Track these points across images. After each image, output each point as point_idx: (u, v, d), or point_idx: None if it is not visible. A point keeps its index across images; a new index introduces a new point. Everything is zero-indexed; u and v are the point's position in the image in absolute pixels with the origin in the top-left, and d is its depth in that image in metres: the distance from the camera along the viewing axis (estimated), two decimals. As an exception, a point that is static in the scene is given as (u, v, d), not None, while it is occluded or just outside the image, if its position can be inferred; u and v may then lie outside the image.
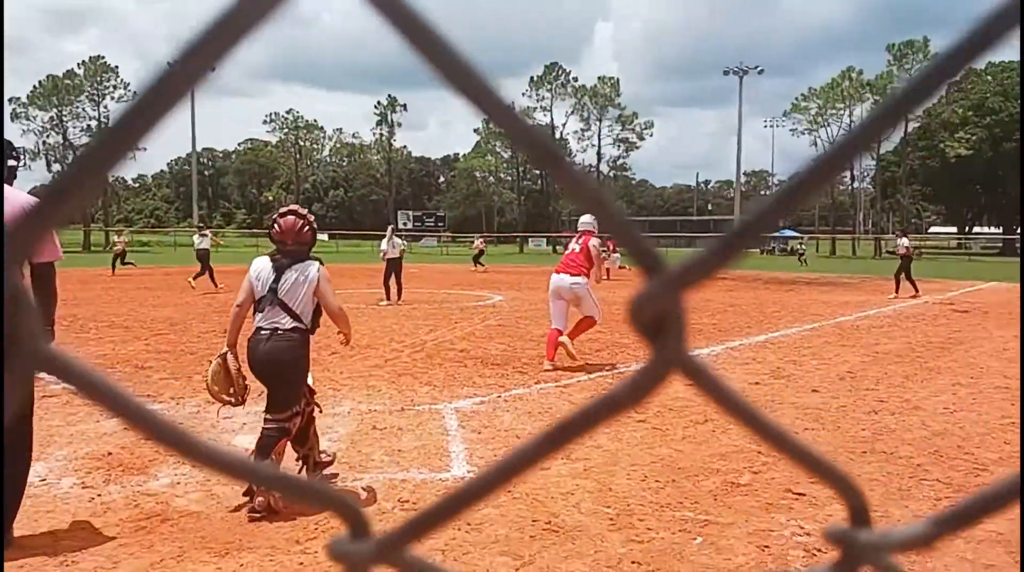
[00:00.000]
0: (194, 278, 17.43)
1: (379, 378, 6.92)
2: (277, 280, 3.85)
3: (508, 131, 0.23)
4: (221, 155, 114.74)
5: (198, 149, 61.69)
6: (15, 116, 56.81)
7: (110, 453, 4.50)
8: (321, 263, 4.00)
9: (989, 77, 61.58)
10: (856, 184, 67.85)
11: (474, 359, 8.03)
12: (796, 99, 62.70)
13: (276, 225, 3.99)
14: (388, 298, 14.05)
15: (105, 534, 3.40)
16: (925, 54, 55.03)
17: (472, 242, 36.67)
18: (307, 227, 4.01)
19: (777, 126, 73.14)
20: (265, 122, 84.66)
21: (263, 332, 3.81)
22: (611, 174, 70.48)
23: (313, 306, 3.94)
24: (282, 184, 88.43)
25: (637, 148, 67.96)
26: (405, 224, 67.34)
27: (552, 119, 65.15)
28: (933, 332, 10.77)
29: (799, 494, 4.02)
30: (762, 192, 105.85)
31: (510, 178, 74.43)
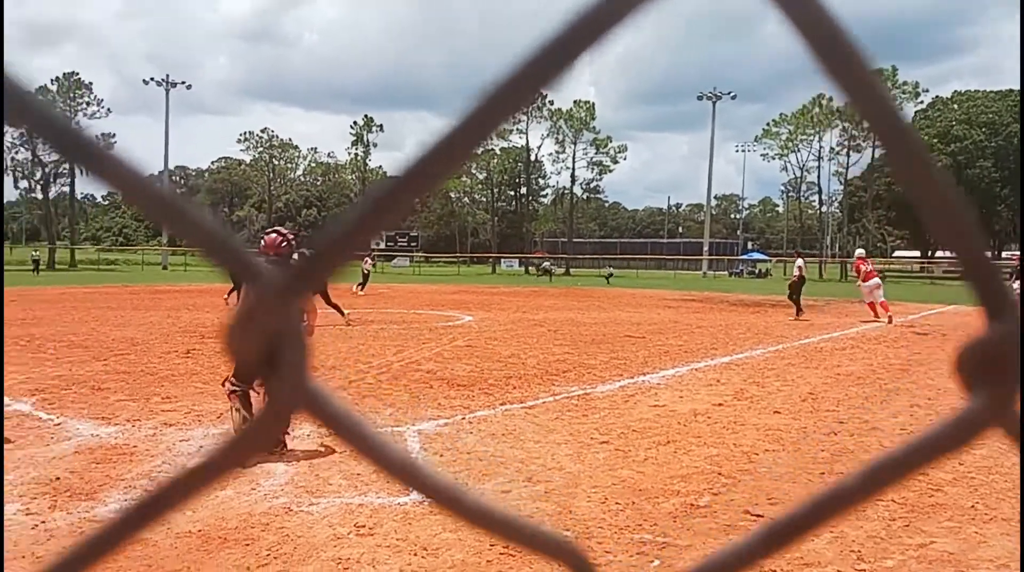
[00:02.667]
0: (360, 287, 22.58)
1: (342, 400, 6.83)
2: None
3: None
4: (194, 173, 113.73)
5: (171, 166, 60.96)
6: (-20, 131, 55.82)
7: (58, 478, 4.37)
8: None
9: (955, 106, 63.26)
10: (824, 208, 68.97)
11: (440, 380, 7.97)
12: (767, 124, 63.88)
13: (262, 241, 5.24)
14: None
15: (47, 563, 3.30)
16: (893, 82, 56.36)
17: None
18: (285, 242, 5.36)
19: (748, 150, 74.43)
20: (239, 140, 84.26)
21: None
22: (584, 196, 70.94)
23: None
24: (254, 203, 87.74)
25: (610, 171, 68.49)
26: (378, 243, 67.02)
27: (528, 141, 65.52)
28: (893, 354, 10.94)
29: (757, 516, 4.03)
30: (732, 216, 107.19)
31: (484, 199, 74.56)
